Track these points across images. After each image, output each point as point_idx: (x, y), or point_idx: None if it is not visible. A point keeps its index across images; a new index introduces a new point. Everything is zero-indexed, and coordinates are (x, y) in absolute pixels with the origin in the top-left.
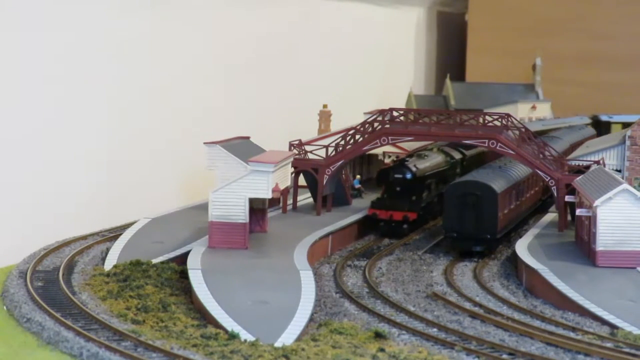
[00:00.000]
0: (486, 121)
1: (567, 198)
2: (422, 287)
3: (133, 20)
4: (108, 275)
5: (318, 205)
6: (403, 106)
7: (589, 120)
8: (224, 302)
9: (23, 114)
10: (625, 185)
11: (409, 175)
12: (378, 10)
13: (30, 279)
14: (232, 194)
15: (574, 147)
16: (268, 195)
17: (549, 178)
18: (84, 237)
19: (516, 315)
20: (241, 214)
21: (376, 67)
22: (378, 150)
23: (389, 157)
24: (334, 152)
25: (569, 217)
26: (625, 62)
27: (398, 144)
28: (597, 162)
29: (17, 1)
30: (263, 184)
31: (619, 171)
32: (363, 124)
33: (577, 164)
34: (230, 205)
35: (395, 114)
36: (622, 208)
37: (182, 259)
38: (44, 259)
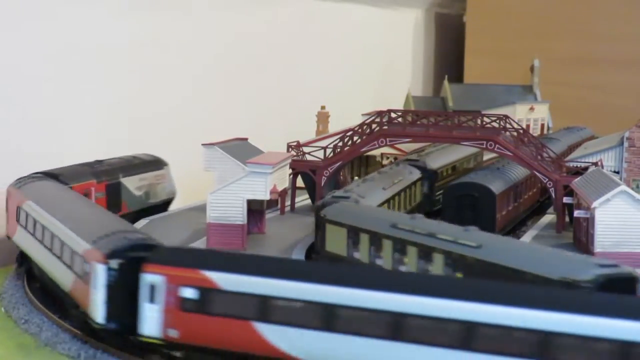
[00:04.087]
0: (484, 123)
1: (565, 200)
2: None
3: (133, 20)
4: None
5: None
6: (401, 107)
7: None
8: None
9: (22, 116)
10: (623, 187)
11: None
12: (376, 11)
13: (28, 280)
14: (230, 196)
15: (572, 148)
16: (266, 196)
17: (547, 179)
18: None
19: None
20: (239, 216)
21: (374, 68)
22: (376, 152)
23: (387, 158)
24: (332, 154)
25: (567, 219)
26: (624, 63)
27: (396, 145)
28: (595, 164)
29: (19, 2)
30: (261, 186)
31: (617, 173)
32: (361, 125)
33: (575, 165)
34: (228, 206)
35: (393, 115)
36: (620, 210)
37: None
38: None
